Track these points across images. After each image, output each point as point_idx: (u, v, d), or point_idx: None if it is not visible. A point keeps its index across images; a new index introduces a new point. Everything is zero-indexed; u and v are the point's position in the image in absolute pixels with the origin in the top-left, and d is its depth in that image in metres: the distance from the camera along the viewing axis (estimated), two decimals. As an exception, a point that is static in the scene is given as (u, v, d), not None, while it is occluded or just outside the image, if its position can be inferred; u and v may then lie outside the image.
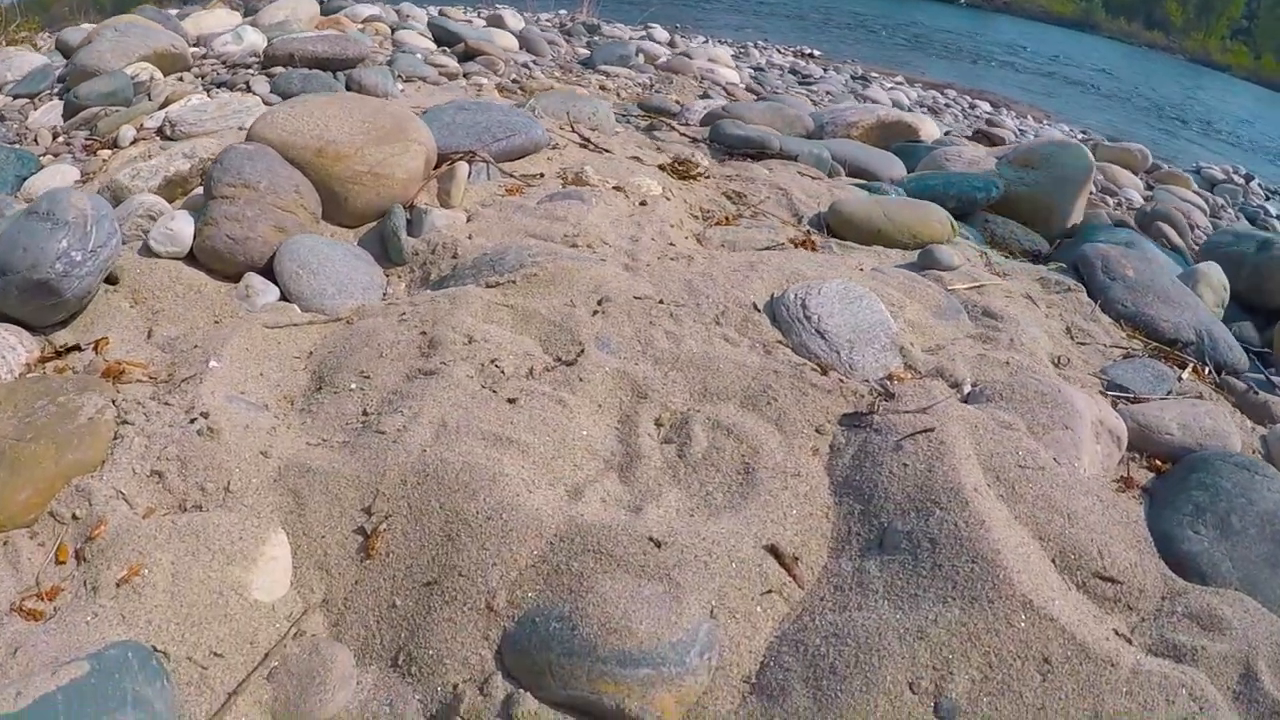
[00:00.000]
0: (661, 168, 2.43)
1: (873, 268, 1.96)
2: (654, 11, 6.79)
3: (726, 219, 2.25)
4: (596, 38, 5.26)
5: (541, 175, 2.21)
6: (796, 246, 2.09)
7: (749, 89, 4.75)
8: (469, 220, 1.98)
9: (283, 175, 1.90)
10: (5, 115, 3.26)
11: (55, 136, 3.03)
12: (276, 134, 1.99)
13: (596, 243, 1.87)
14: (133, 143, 2.86)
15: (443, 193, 2.05)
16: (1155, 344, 2.00)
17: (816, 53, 7.56)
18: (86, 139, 2.99)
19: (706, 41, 6.54)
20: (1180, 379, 1.87)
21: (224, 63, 3.42)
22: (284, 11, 3.81)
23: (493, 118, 2.33)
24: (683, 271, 1.78)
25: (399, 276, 1.86)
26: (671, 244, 1.95)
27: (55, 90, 3.44)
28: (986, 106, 6.97)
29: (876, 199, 2.39)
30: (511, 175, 2.17)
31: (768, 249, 2.05)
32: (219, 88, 3.19)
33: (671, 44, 5.81)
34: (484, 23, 5.04)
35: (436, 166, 2.14)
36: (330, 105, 2.09)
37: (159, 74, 3.23)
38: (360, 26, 4.09)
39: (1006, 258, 2.62)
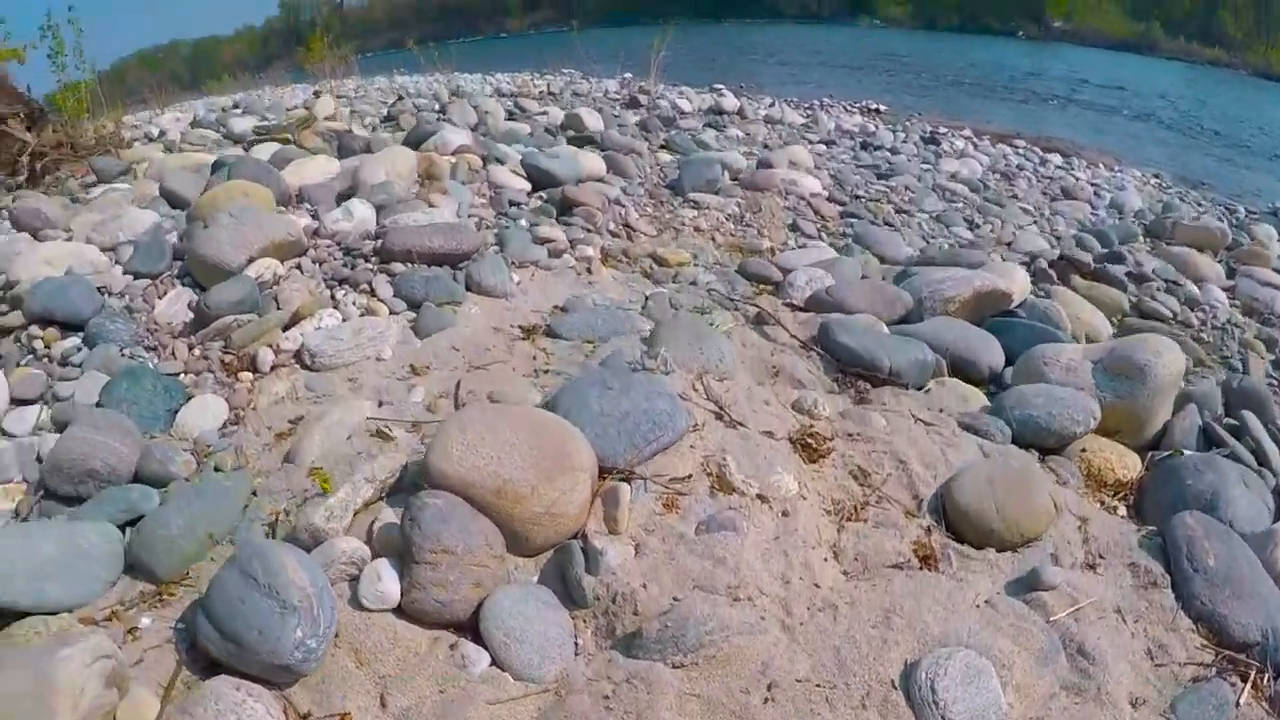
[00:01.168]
0: (791, 442, 2.61)
1: (986, 600, 2.19)
2: (717, 68, 6.59)
3: (854, 510, 2.46)
4: (673, 133, 5.20)
5: (690, 477, 2.41)
6: (921, 562, 2.31)
7: (831, 198, 4.77)
8: (636, 554, 2.20)
9: (474, 531, 2.12)
10: (131, 306, 3.32)
11: (190, 348, 3.13)
12: (455, 470, 2.19)
13: (755, 593, 2.10)
14: (272, 369, 3.02)
15: (609, 518, 2.26)
16: (1224, 651, 2.18)
17: (882, 108, 7.36)
18: (223, 352, 3.11)
19: (773, 104, 6.40)
20: (1238, 704, 2.07)
21: (339, 244, 3.53)
22: (383, 168, 3.85)
23: (637, 404, 2.51)
24: (830, 631, 2.03)
25: (584, 622, 2.11)
26: (816, 585, 2.18)
27: (174, 272, 3.49)
28: (1058, 159, 6.83)
29: (988, 478, 2.56)
30: (663, 485, 2.37)
31: (895, 567, 2.27)
32: (340, 284, 3.32)
33: (740, 112, 5.71)
34: (560, 113, 5.00)
35: (601, 476, 2.34)
36: (496, 424, 2.27)
37: (280, 268, 3.35)
38: (452, 159, 4.12)
39: (1100, 505, 2.80)
